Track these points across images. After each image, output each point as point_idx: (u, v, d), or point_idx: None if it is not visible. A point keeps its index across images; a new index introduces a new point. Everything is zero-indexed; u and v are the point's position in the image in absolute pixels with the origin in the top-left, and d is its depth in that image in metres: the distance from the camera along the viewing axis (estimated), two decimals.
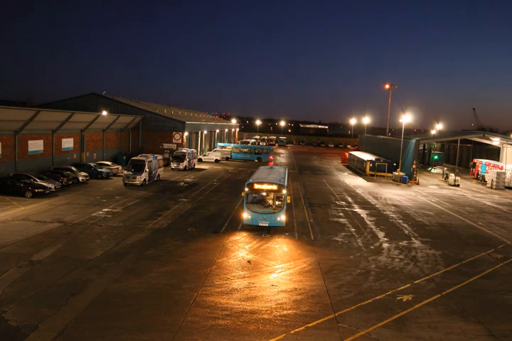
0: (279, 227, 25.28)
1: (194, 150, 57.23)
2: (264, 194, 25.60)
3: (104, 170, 43.35)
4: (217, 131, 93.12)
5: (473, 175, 60.80)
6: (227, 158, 70.96)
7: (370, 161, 58.37)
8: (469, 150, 74.61)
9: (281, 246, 22.29)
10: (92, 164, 43.74)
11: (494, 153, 66.22)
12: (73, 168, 39.88)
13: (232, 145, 77.96)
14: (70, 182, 36.90)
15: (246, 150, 73.93)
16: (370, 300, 15.78)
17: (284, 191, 25.01)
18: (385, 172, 56.59)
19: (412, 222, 29.84)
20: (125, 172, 39.66)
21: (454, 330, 13.89)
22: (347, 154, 77.78)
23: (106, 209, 28.49)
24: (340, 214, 31.44)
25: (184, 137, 61.97)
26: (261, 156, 71.31)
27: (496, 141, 60.99)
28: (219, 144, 79.91)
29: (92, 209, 28.23)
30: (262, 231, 24.77)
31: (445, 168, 64.16)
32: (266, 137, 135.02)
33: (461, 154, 75.35)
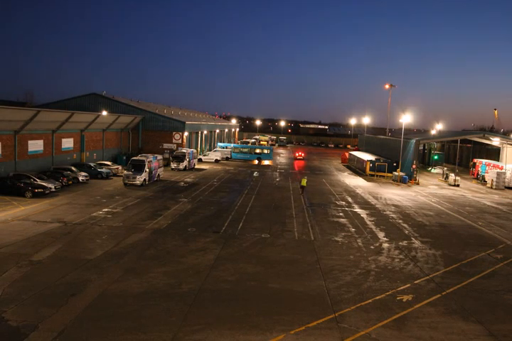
0: (279, 228, 25.31)
1: (194, 150, 57.26)
2: None
3: (104, 170, 43.35)
4: (217, 131, 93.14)
5: (473, 175, 60.81)
6: (227, 158, 70.91)
7: (370, 161, 58.38)
8: (469, 150, 74.61)
9: (281, 246, 22.29)
10: (92, 164, 43.74)
11: (494, 153, 66.21)
12: (73, 168, 39.88)
13: (232, 145, 77.89)
14: (70, 182, 36.90)
15: (246, 150, 73.81)
16: (370, 300, 15.78)
17: None
18: (385, 172, 56.60)
19: (412, 222, 29.84)
20: (125, 172, 39.67)
21: (454, 330, 13.89)
22: (347, 154, 77.81)
23: (106, 209, 28.49)
24: (340, 214, 31.45)
25: (184, 137, 61.98)
26: (261, 156, 71.25)
27: (495, 141, 61.03)
28: (219, 144, 79.85)
29: (92, 209, 28.23)
30: (262, 232, 24.80)
31: (445, 168, 64.20)
32: (269, 136, 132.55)
33: (461, 154, 75.33)
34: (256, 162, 69.96)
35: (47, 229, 22.85)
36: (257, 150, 73.34)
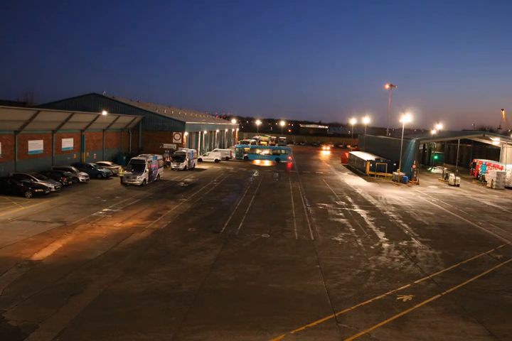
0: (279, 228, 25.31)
1: (194, 150, 57.29)
2: None
3: (104, 170, 43.36)
4: (217, 131, 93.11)
5: (473, 175, 60.82)
6: (227, 158, 71.00)
7: (370, 161, 58.39)
8: (469, 150, 74.58)
9: (281, 246, 22.29)
10: (92, 164, 43.76)
11: (494, 153, 66.19)
12: (73, 168, 39.89)
13: (250, 145, 78.44)
14: (70, 182, 36.90)
15: (265, 150, 74.58)
16: (370, 300, 15.78)
17: None
18: (385, 172, 56.60)
19: (412, 222, 29.84)
20: (125, 172, 39.68)
21: (454, 330, 13.89)
22: (347, 154, 77.82)
23: (106, 209, 28.49)
24: (340, 214, 31.45)
25: (184, 137, 61.99)
26: (279, 157, 72.06)
27: (496, 141, 61.01)
28: (236, 146, 78.41)
29: (92, 209, 28.23)
30: (262, 232, 24.81)
31: (445, 168, 64.21)
32: (269, 136, 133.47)
33: (461, 154, 75.30)
34: (272, 163, 70.67)
35: (47, 229, 22.86)
36: (276, 151, 74.22)
